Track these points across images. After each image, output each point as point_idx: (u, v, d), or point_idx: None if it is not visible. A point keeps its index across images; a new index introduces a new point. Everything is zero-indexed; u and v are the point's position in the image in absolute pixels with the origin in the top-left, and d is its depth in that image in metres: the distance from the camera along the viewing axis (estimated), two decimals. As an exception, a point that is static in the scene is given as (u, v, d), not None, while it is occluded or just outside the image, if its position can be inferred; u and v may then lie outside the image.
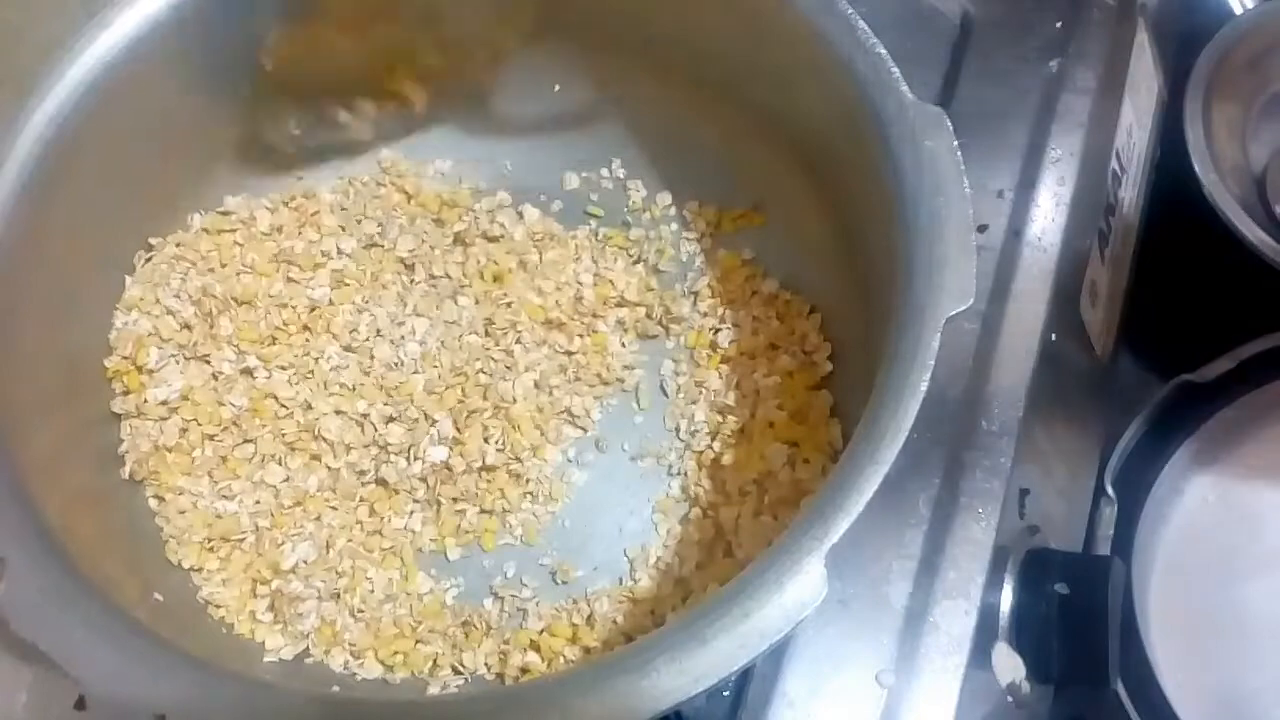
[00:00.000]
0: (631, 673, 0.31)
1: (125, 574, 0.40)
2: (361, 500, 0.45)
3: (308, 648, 0.42)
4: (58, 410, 0.42)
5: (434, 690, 0.41)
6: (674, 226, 0.50)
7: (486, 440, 0.45)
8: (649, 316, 0.48)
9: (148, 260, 0.47)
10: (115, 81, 0.42)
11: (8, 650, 0.39)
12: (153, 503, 0.44)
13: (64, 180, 0.41)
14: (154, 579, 0.42)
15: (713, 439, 0.45)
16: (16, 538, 0.35)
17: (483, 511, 0.44)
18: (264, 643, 0.42)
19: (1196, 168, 0.54)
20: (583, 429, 0.46)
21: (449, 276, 0.49)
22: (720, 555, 0.43)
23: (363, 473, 0.45)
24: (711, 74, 0.46)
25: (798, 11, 0.41)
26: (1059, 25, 0.52)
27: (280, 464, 0.45)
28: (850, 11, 0.40)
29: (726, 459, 0.44)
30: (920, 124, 0.38)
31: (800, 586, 0.31)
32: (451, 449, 0.45)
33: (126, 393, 0.45)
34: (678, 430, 0.46)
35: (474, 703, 0.38)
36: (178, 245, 0.47)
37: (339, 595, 0.43)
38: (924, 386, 0.34)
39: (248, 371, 0.46)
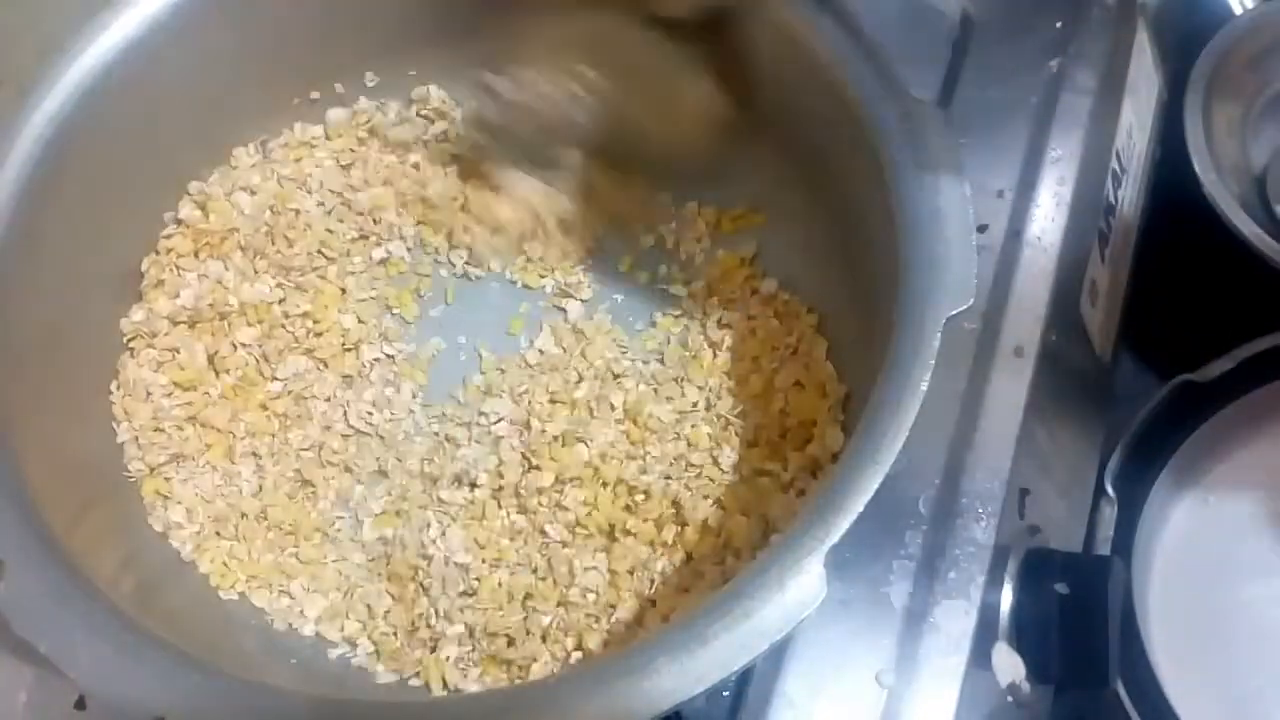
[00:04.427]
0: (632, 673, 0.31)
1: (122, 569, 0.40)
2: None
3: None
4: (57, 413, 0.42)
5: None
6: (673, 226, 0.50)
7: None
8: (648, 316, 0.48)
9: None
10: (115, 82, 0.42)
11: (8, 650, 0.38)
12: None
13: (63, 180, 0.41)
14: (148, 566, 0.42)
15: (711, 440, 0.45)
16: (16, 539, 0.35)
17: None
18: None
19: (1196, 167, 0.54)
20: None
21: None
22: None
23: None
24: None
25: (798, 11, 0.41)
26: (1059, 25, 0.52)
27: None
28: (850, 10, 0.40)
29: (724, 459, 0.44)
30: (920, 124, 0.38)
31: (800, 587, 0.31)
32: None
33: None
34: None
35: (474, 703, 0.38)
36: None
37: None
38: (924, 386, 0.34)
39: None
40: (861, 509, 0.32)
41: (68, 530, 0.37)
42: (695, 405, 0.46)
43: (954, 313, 0.35)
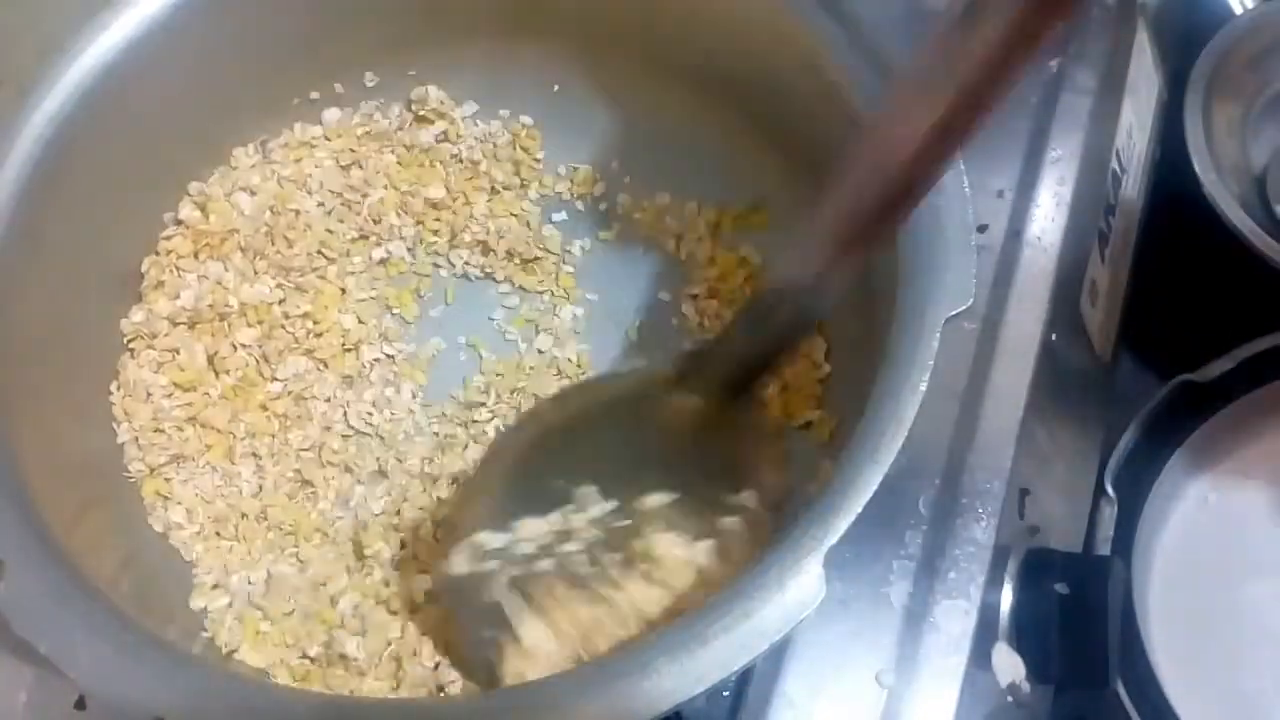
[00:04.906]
0: (632, 673, 0.31)
1: (122, 569, 0.40)
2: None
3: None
4: (57, 413, 0.42)
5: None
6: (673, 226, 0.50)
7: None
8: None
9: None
10: (115, 82, 0.42)
11: (8, 650, 0.38)
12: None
13: (63, 180, 0.41)
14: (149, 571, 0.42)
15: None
16: (16, 539, 0.35)
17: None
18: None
19: (1196, 167, 0.54)
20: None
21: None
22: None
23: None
24: (711, 74, 0.46)
25: (798, 11, 0.41)
26: (1059, 25, 0.52)
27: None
28: (851, 11, 0.40)
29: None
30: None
31: (800, 587, 0.31)
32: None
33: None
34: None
35: (474, 703, 0.38)
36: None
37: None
38: (924, 386, 0.34)
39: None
40: (861, 509, 0.32)
41: (68, 530, 0.37)
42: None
43: (954, 313, 0.35)
